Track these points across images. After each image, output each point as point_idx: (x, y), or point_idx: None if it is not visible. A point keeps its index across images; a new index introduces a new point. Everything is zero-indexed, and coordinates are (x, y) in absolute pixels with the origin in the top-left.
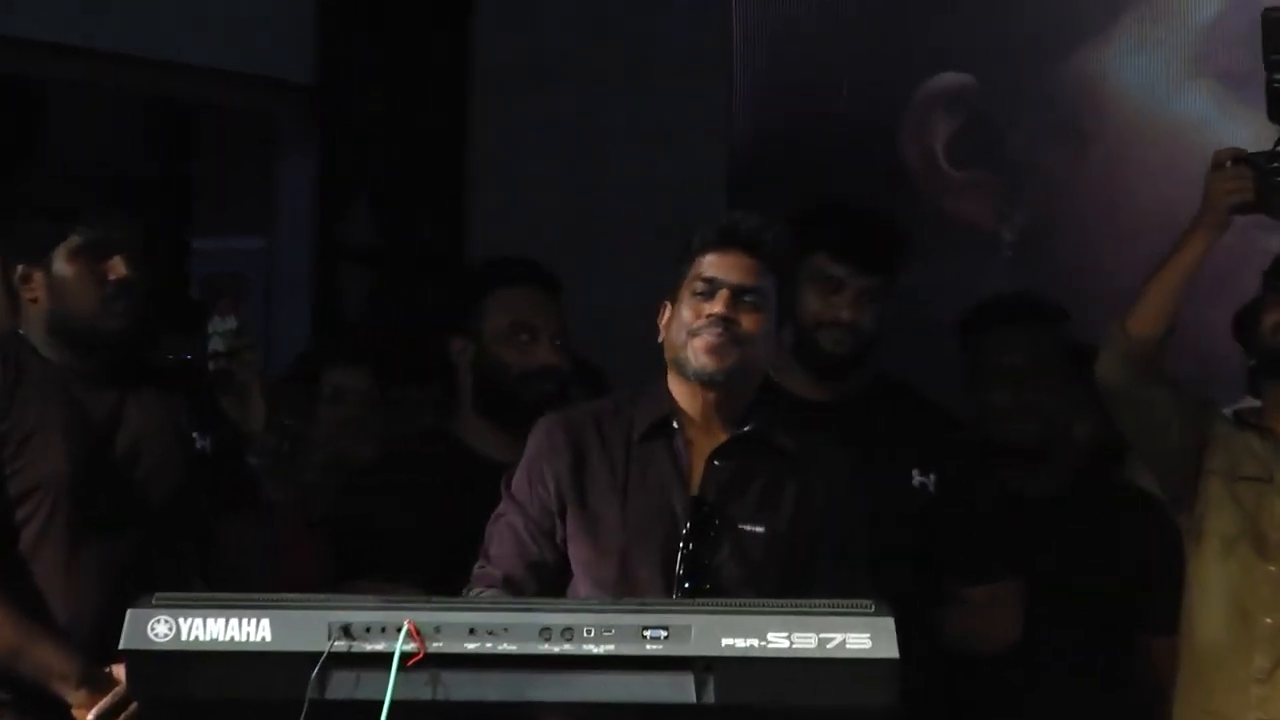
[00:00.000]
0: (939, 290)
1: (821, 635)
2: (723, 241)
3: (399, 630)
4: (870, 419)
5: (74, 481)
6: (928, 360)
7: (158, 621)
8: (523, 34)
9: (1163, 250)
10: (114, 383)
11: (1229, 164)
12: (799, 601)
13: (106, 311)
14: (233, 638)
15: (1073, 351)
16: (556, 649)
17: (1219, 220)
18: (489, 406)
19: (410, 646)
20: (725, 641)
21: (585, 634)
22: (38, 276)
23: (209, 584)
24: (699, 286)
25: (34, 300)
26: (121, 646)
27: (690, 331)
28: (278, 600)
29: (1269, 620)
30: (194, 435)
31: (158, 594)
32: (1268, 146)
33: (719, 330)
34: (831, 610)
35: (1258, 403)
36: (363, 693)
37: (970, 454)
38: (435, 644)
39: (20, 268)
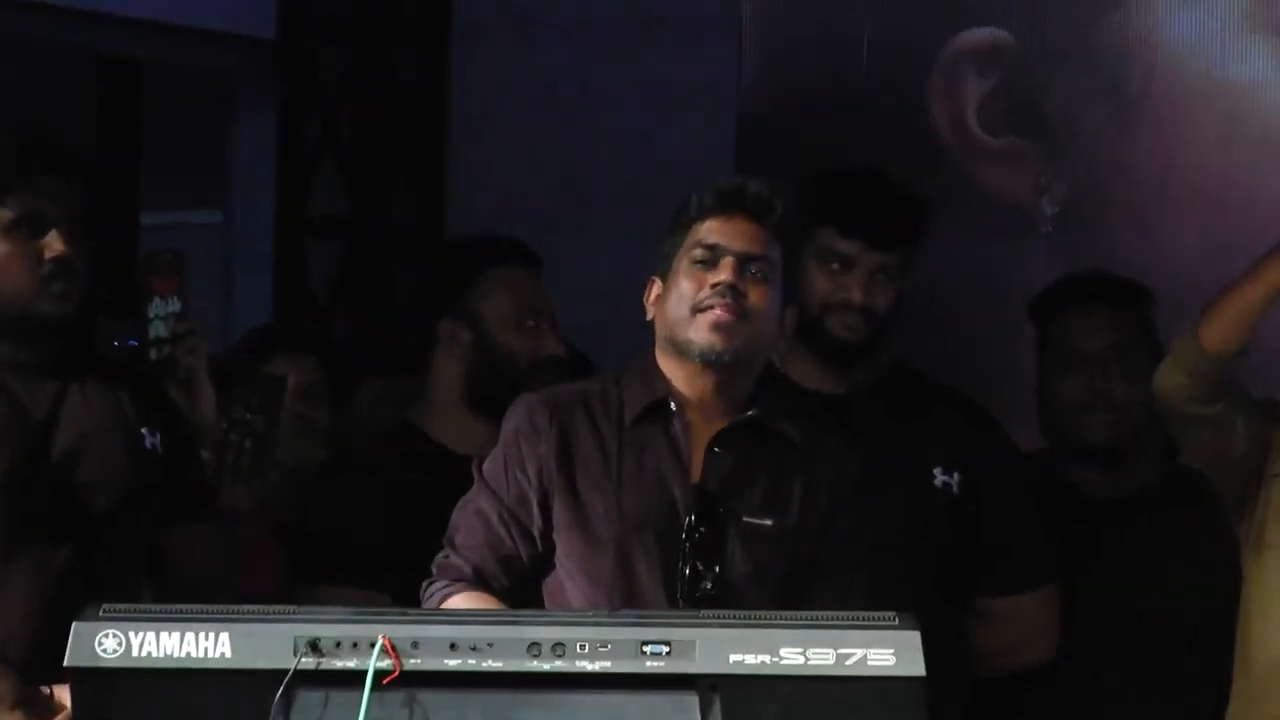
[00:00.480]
0: (971, 270)
1: (840, 651)
2: (725, 206)
3: (372, 645)
4: (886, 413)
5: (8, 483)
6: (961, 349)
7: (106, 636)
8: None
9: (1218, 226)
10: (53, 374)
11: None
12: (815, 614)
13: (43, 293)
14: (189, 654)
15: (1154, 340)
16: (547, 666)
17: None
18: (485, 399)
19: (385, 664)
20: (733, 658)
21: (579, 650)
22: None
23: (159, 596)
24: (699, 254)
25: None
26: (66, 664)
27: (694, 306)
28: (239, 613)
29: None
30: (142, 432)
31: (106, 605)
32: None
33: (727, 302)
34: (851, 623)
35: None
36: (332, 714)
37: (998, 451)
38: (412, 661)
39: None
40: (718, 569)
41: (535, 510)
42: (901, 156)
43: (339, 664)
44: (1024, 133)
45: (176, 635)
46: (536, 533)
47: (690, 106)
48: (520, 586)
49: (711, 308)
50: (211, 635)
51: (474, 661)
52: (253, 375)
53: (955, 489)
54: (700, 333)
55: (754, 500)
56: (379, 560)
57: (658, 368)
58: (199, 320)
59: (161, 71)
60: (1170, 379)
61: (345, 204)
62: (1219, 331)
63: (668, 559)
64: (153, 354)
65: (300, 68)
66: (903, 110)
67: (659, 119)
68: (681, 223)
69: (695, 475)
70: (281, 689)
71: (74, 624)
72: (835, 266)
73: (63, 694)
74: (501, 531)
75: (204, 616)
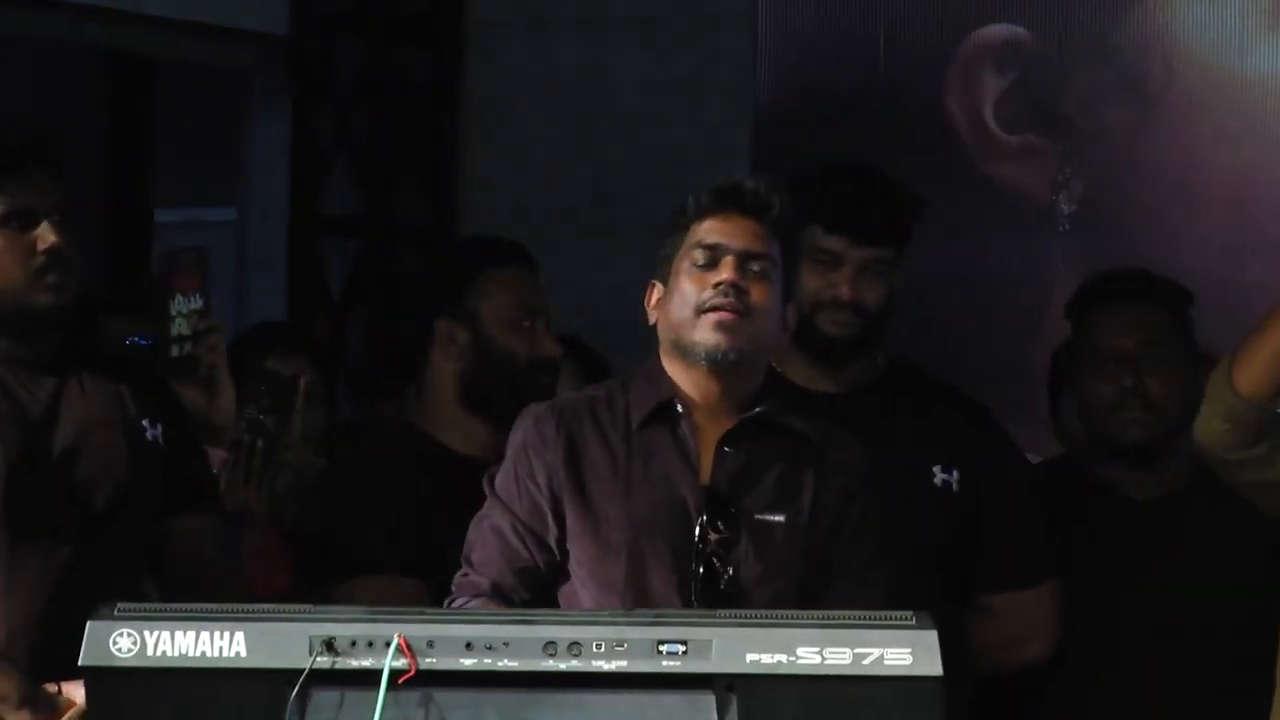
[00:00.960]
0: (989, 267)
1: (857, 650)
2: (723, 205)
3: (388, 645)
4: (884, 411)
5: (9, 480)
6: (975, 346)
7: (120, 635)
8: None
9: (1237, 223)
10: (50, 370)
11: None
12: (832, 613)
13: (37, 286)
14: (204, 653)
15: (1190, 339)
16: (563, 666)
17: None
18: (481, 400)
19: (400, 663)
20: (750, 657)
21: (594, 649)
22: None
23: (162, 590)
24: (699, 256)
25: None
26: (81, 663)
27: (697, 307)
28: (254, 612)
29: None
30: (143, 424)
31: (120, 604)
32: None
33: (730, 301)
34: (867, 623)
35: None
36: (348, 714)
37: (997, 448)
38: (428, 660)
39: None
40: (731, 569)
41: (550, 519)
42: (918, 153)
43: (354, 663)
44: (1042, 130)
45: (191, 634)
46: (553, 541)
47: (706, 104)
48: (540, 598)
49: (715, 308)
50: (226, 634)
51: (490, 661)
52: (263, 374)
53: (955, 486)
54: (705, 334)
55: (765, 497)
56: (405, 551)
57: (663, 370)
58: (217, 319)
59: (175, 68)
60: (1210, 427)
61: (359, 201)
62: (1254, 378)
63: (680, 562)
64: (174, 351)
65: (314, 65)
66: (920, 107)
67: (674, 116)
68: (679, 224)
69: (705, 476)
70: (297, 688)
71: (89, 623)
72: (823, 264)
73: (70, 690)
74: (517, 544)
75: (219, 616)
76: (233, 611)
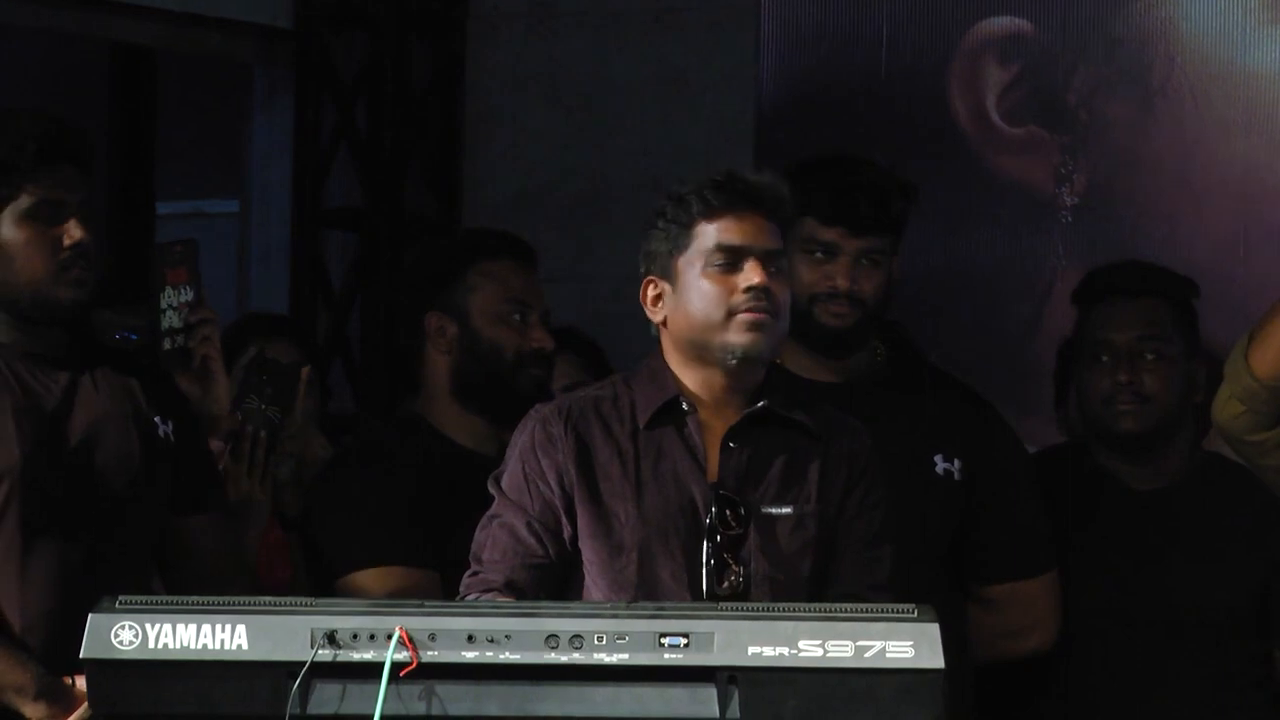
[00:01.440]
0: (991, 260)
1: (859, 643)
2: (736, 203)
3: (389, 637)
4: (885, 402)
5: (24, 473)
6: (977, 339)
7: (122, 627)
8: None
9: (1240, 217)
10: (65, 364)
11: None
12: (833, 606)
13: (62, 280)
14: (205, 646)
15: (1192, 331)
16: (564, 658)
17: None
18: (472, 393)
19: (402, 655)
20: (752, 650)
21: (596, 642)
22: None
23: (168, 586)
24: (719, 258)
25: None
26: (82, 655)
27: (730, 310)
28: (255, 605)
29: None
30: (155, 420)
31: (122, 597)
32: None
33: (764, 304)
34: (869, 616)
35: None
36: (349, 707)
37: (998, 438)
38: (430, 652)
39: None
40: (742, 564)
41: (563, 517)
42: (920, 146)
43: (356, 656)
44: (1044, 122)
45: (193, 627)
46: (567, 537)
47: (708, 97)
48: (554, 596)
49: (748, 310)
50: (228, 627)
51: (491, 653)
52: (264, 364)
53: (956, 476)
54: (739, 336)
55: (771, 491)
56: (413, 544)
57: (667, 367)
58: (213, 309)
59: (178, 61)
60: (1227, 410)
61: (361, 194)
62: (1269, 360)
63: (691, 559)
64: (167, 344)
65: (317, 58)
66: (922, 99)
67: (676, 109)
68: (680, 221)
69: (713, 473)
70: (299, 681)
71: (90, 616)
72: (819, 255)
73: (84, 684)
74: (531, 541)
75: (220, 608)
76: (234, 604)
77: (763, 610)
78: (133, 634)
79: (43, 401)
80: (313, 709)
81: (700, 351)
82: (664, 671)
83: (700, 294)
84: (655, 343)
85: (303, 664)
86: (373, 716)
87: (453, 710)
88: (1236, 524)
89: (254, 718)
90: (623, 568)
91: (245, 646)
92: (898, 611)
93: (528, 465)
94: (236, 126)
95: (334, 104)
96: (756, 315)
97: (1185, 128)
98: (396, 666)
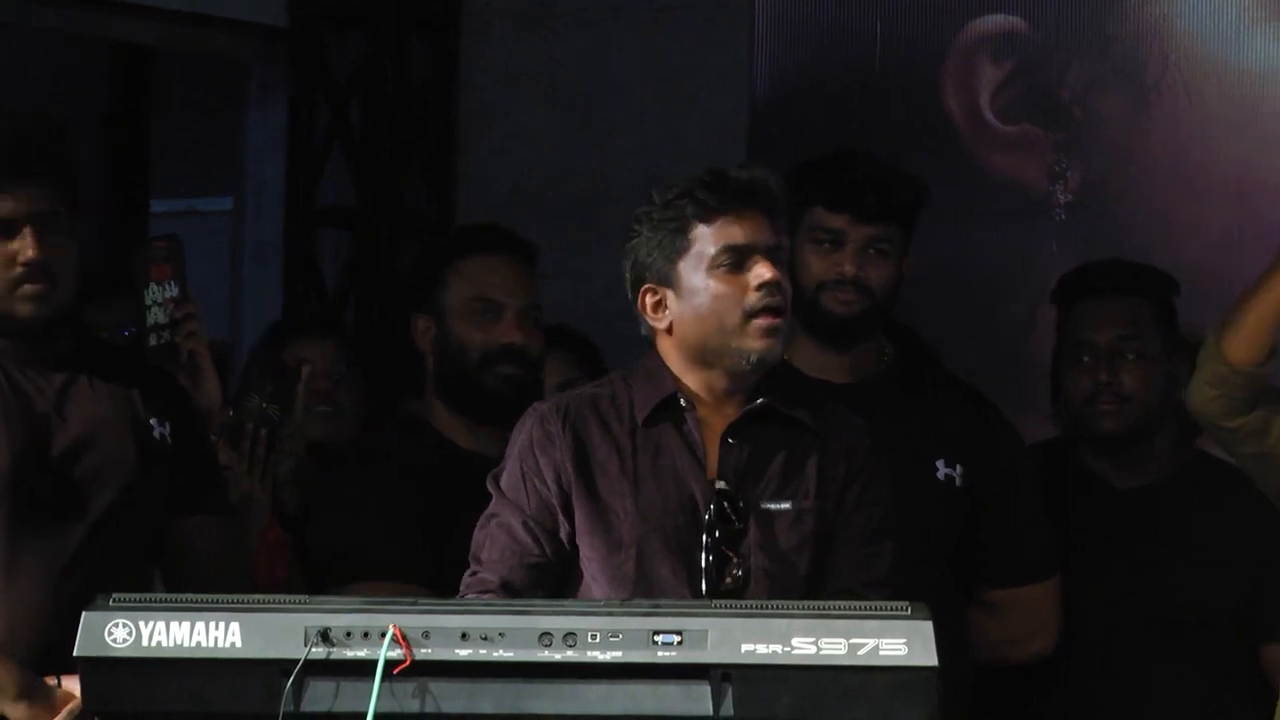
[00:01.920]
0: (985, 257)
1: (852, 641)
2: (735, 203)
3: (383, 635)
4: (888, 405)
5: (15, 473)
6: (973, 337)
7: (116, 625)
8: None
9: (1234, 215)
10: (58, 364)
11: None
12: (827, 604)
13: (14, 296)
14: (199, 643)
15: (1172, 329)
16: (558, 656)
17: None
18: (450, 390)
19: (396, 653)
20: (745, 647)
21: (590, 639)
22: None
23: (170, 587)
24: (726, 258)
25: None
26: (76, 653)
27: (748, 311)
28: (249, 603)
29: None
30: (151, 422)
31: (115, 595)
32: None
33: (779, 300)
34: (863, 613)
35: None
36: (343, 704)
37: (1001, 442)
38: (423, 650)
39: None
40: (741, 561)
41: (560, 515)
42: (914, 142)
43: (350, 654)
44: (1038, 120)
45: (187, 625)
46: (564, 536)
47: (703, 94)
48: (552, 595)
49: (766, 310)
50: (222, 625)
51: (485, 651)
52: (267, 363)
53: (958, 481)
54: (757, 342)
55: (770, 487)
56: (409, 550)
57: (665, 365)
58: (200, 305)
59: (173, 59)
60: (1202, 395)
61: (355, 193)
62: (1242, 345)
63: (690, 556)
64: (153, 339)
65: (312, 56)
66: (916, 97)
67: (671, 106)
68: (674, 227)
69: (712, 469)
70: (292, 679)
71: (84, 614)
72: (826, 243)
73: (70, 684)
74: (528, 540)
75: (214, 606)
76: (228, 602)
77: (756, 608)
78: (126, 632)
79: (34, 404)
80: (306, 707)
81: (710, 355)
82: (657, 669)
83: (712, 296)
84: (649, 345)
85: (296, 662)
86: (366, 714)
87: (446, 708)
88: (1222, 522)
89: (248, 715)
90: (621, 564)
91: (239, 644)
92: (891, 609)
93: (525, 464)
94: (231, 125)
95: (328, 103)
96: (773, 320)
97: (1179, 125)
98: (390, 664)
